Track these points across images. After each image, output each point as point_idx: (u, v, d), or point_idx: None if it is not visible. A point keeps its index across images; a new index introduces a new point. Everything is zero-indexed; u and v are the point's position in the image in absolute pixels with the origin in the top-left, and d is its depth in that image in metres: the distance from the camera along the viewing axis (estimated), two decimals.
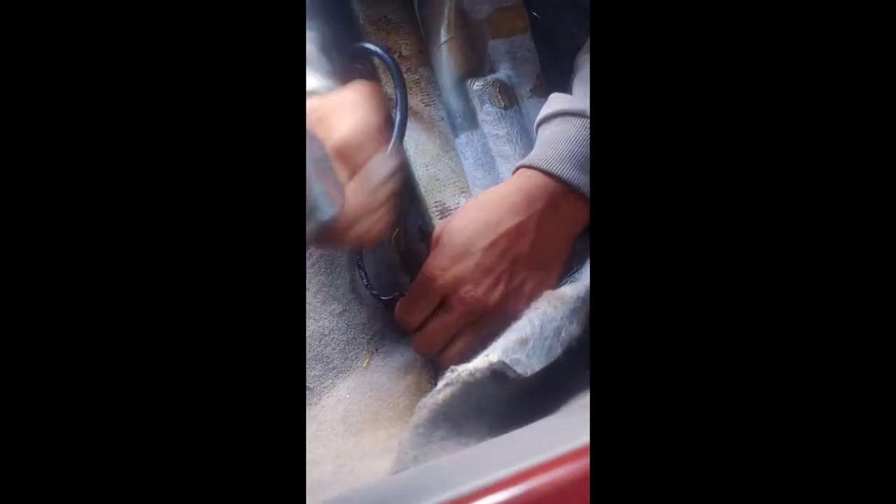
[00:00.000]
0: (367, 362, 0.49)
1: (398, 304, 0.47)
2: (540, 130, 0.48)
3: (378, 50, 0.50)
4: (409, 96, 0.54)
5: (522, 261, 0.45)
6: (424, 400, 0.39)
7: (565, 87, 0.50)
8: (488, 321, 0.45)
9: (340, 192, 0.48)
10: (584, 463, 0.27)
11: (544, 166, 0.45)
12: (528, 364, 0.40)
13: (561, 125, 0.46)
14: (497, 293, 0.45)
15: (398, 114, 0.49)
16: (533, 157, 0.46)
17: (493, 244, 0.44)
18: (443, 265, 0.45)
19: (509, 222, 0.45)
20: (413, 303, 0.46)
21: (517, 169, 0.47)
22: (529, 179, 0.45)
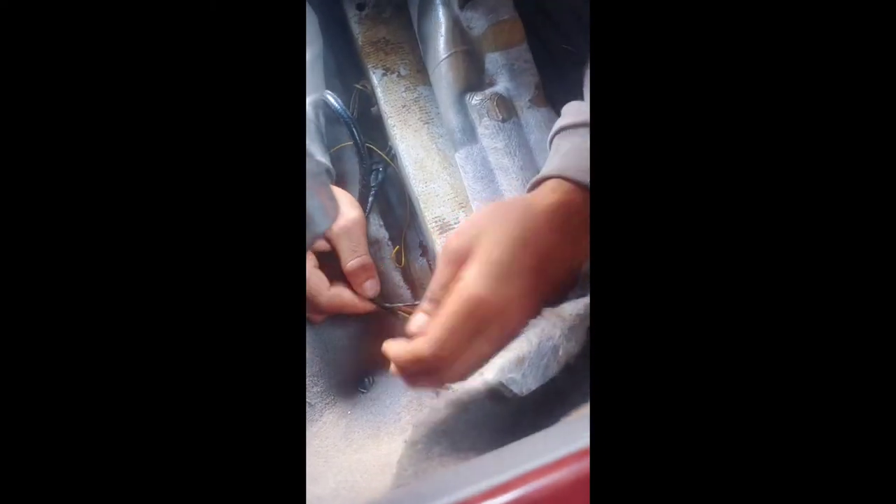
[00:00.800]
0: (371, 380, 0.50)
1: (425, 341, 0.39)
2: (559, 139, 0.45)
3: (336, 105, 0.53)
4: (407, 114, 0.54)
5: (557, 278, 0.42)
6: (420, 418, 0.40)
7: (564, 97, 0.50)
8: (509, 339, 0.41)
9: (335, 206, 0.50)
10: (584, 465, 0.26)
11: (580, 178, 0.41)
12: (524, 383, 0.40)
13: (587, 136, 0.43)
14: (529, 316, 0.40)
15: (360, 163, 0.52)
16: (563, 167, 0.42)
17: (539, 265, 0.40)
18: (490, 286, 0.38)
19: (549, 240, 0.40)
20: (452, 331, 0.38)
21: (543, 180, 0.43)
22: (565, 194, 0.41)
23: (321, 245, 0.49)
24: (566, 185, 0.42)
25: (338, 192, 0.49)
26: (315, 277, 0.47)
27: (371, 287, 0.49)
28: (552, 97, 0.53)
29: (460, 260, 0.41)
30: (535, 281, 0.40)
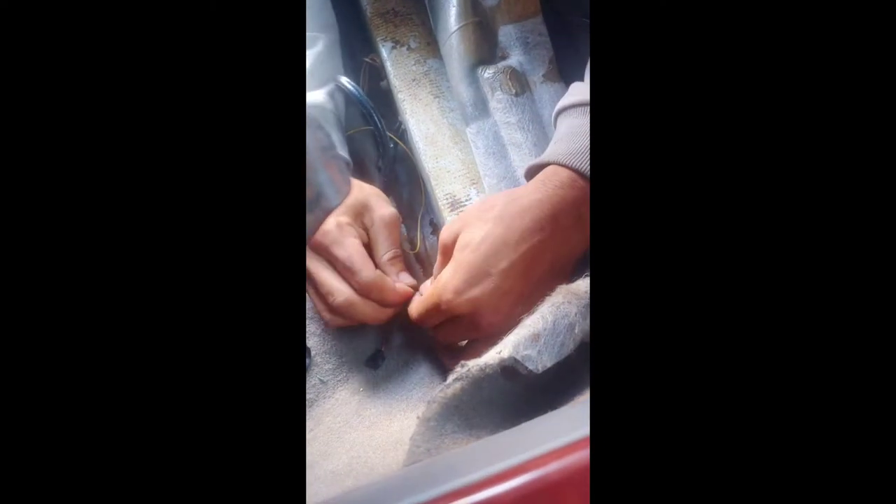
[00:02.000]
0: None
1: (412, 302, 0.47)
2: (561, 119, 0.46)
3: (352, 89, 0.52)
4: (417, 88, 0.53)
5: (542, 276, 0.43)
6: (434, 394, 0.39)
7: (578, 71, 0.49)
8: (505, 333, 0.43)
9: (346, 181, 0.49)
10: (585, 454, 0.26)
11: (577, 165, 0.42)
12: (539, 360, 0.39)
13: (585, 116, 0.44)
14: (515, 314, 0.42)
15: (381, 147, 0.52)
16: (562, 152, 0.43)
17: (512, 266, 0.41)
18: (459, 288, 0.42)
19: (530, 241, 0.41)
20: (427, 312, 0.45)
21: (544, 166, 0.44)
22: (560, 187, 0.42)
23: (363, 236, 0.48)
24: (563, 172, 0.42)
25: (371, 189, 0.48)
26: (357, 255, 0.45)
27: (405, 279, 0.48)
28: (566, 71, 0.52)
29: (448, 252, 0.44)
30: (520, 280, 0.42)
